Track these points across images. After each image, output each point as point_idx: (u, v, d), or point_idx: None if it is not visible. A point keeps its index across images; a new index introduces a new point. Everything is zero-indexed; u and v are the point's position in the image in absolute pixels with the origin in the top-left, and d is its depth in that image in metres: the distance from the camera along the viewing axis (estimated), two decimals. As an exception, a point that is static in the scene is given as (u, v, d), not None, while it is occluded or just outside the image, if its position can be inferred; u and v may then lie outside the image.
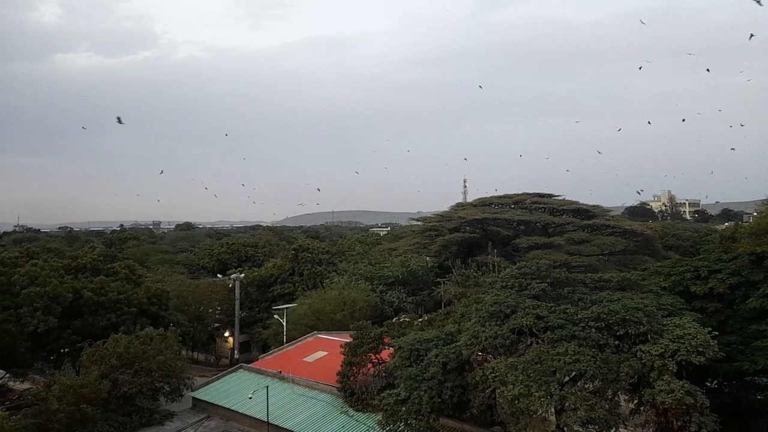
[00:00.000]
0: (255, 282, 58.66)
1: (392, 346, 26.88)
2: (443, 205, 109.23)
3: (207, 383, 35.45)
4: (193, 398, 34.18)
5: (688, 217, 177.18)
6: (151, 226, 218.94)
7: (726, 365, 23.01)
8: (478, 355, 23.09)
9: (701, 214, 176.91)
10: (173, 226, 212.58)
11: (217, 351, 58.93)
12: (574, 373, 19.86)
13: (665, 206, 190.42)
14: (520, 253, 57.88)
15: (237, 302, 50.99)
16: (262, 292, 58.41)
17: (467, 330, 22.95)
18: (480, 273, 50.19)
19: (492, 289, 27.09)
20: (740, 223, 73.91)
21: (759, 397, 24.46)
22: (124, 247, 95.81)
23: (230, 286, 52.86)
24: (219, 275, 60.97)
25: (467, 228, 68.55)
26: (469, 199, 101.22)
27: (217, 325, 57.23)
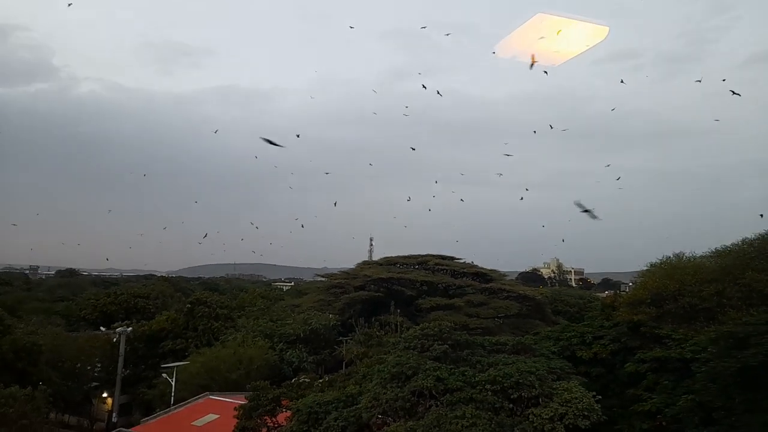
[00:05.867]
0: (144, 336, 54.41)
1: (290, 409, 25.83)
2: (349, 262, 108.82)
3: (77, 451, 31.76)
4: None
5: (573, 284, 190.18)
6: (27, 271, 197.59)
7: (608, 428, 24.43)
8: (378, 417, 22.79)
9: (585, 282, 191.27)
10: (53, 272, 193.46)
11: (92, 414, 53.17)
12: (471, 437, 20.14)
13: (554, 273, 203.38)
14: (423, 314, 58.87)
15: (121, 358, 46.82)
16: (151, 347, 54.18)
17: (368, 391, 22.71)
18: (383, 332, 50.22)
19: (395, 349, 27.20)
20: (618, 292, 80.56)
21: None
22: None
23: (114, 340, 48.66)
24: (102, 328, 55.93)
25: (372, 286, 68.87)
26: (375, 257, 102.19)
27: (95, 383, 51.95)
